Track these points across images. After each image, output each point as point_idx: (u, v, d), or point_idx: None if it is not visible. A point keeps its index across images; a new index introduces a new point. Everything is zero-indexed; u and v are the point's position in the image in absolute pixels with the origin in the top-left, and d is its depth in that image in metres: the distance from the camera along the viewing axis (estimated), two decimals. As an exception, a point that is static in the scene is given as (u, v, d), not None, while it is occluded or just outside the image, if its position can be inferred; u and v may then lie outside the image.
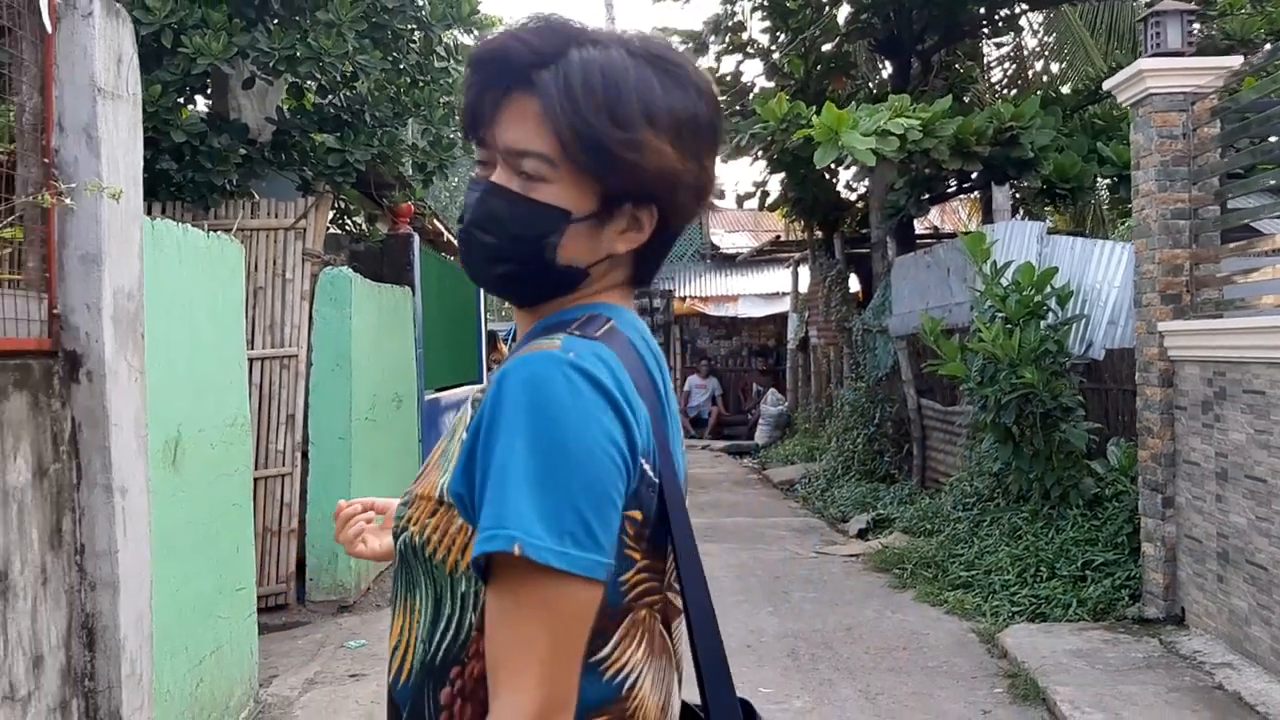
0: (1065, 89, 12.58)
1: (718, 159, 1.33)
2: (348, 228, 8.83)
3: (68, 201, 3.37)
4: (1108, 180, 10.79)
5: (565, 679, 1.12)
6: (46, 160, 3.41)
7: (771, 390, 18.36)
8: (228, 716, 4.69)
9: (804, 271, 17.28)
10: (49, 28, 3.37)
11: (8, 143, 3.50)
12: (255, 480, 5.86)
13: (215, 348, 4.73)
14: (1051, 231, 8.70)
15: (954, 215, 20.15)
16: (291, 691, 5.24)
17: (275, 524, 6.76)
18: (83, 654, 3.48)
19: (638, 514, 1.19)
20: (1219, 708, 4.66)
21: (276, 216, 6.93)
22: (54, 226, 3.42)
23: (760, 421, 17.36)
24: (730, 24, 12.87)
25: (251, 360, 6.27)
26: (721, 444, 17.92)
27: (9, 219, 3.35)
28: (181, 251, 4.37)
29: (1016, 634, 5.89)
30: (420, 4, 7.03)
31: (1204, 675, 5.07)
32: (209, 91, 6.93)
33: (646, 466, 1.18)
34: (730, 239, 22.41)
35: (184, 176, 6.37)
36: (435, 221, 10.79)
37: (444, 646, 1.22)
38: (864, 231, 13.73)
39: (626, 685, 1.21)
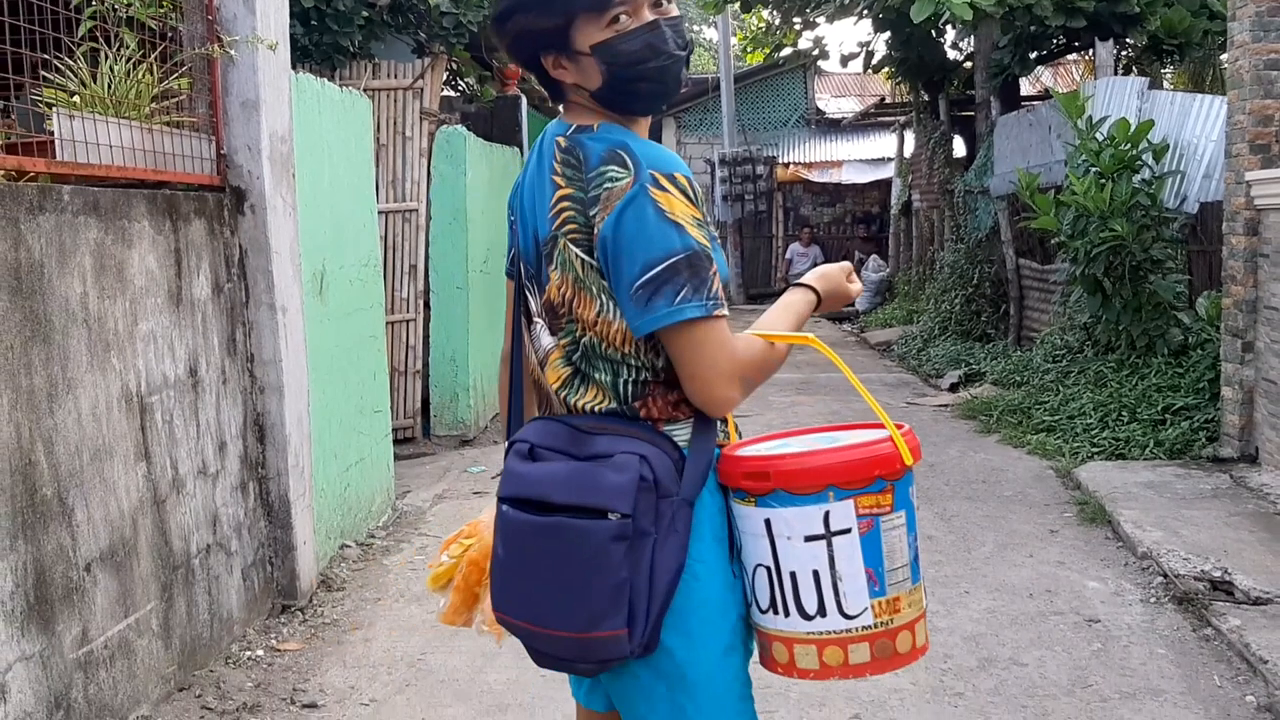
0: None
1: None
2: (460, 89, 9.24)
3: (230, 52, 3.85)
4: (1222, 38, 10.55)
5: None
6: (210, 17, 3.88)
7: (873, 257, 18.47)
8: (370, 519, 5.35)
9: (909, 136, 17.18)
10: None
11: (175, 4, 3.97)
12: (385, 328, 6.44)
13: (351, 192, 5.23)
14: (1153, 87, 8.65)
15: (1067, 77, 19.64)
16: (423, 503, 5.90)
17: (402, 365, 7.38)
18: (255, 446, 4.10)
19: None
20: (1276, 529, 4.97)
21: (396, 77, 7.38)
22: (218, 76, 3.92)
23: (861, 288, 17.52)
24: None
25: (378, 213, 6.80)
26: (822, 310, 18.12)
27: (180, 70, 3.84)
28: (320, 103, 4.84)
29: (1091, 469, 6.23)
30: None
31: (1267, 504, 5.37)
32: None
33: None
34: (835, 104, 22.20)
35: (310, 40, 6.84)
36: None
37: None
38: (970, 93, 13.61)
39: None
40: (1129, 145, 7.39)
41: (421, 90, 7.38)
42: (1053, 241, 8.48)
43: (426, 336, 7.60)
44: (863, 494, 1.60)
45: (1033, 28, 10.17)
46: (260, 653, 3.86)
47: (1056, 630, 4.02)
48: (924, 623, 1.68)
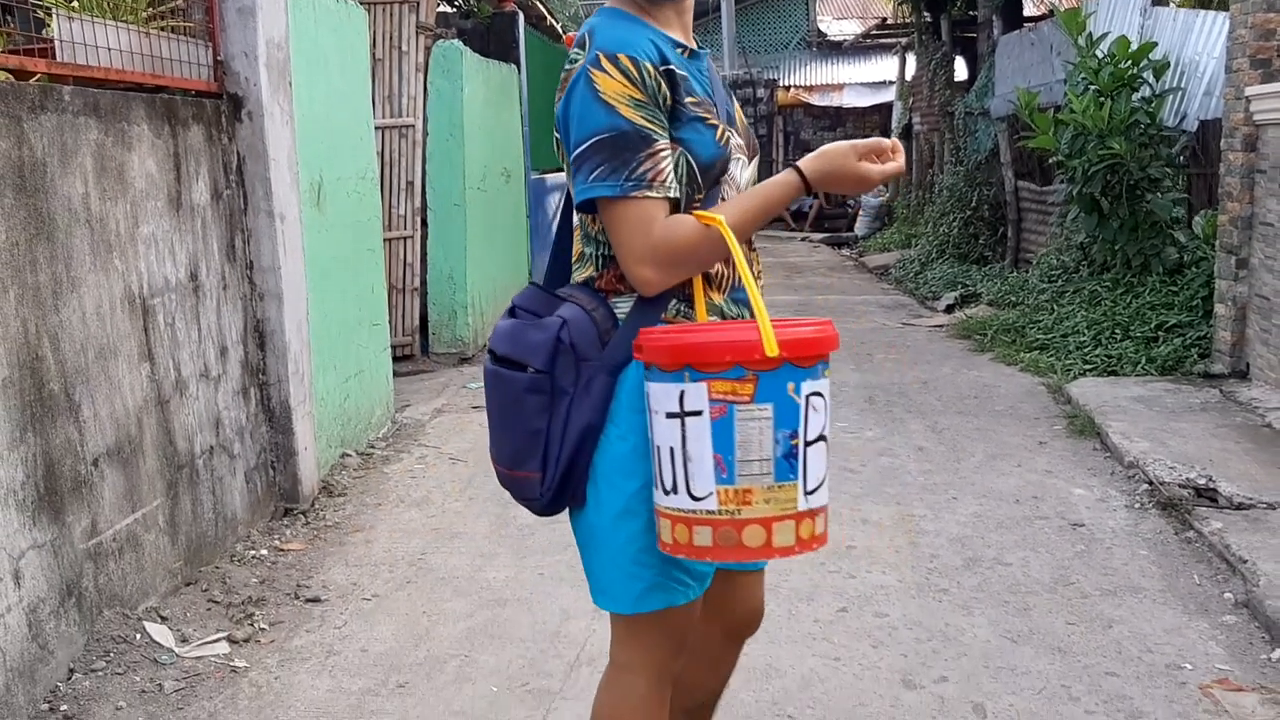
0: None
1: None
2: (456, 4, 9.14)
3: (225, -44, 3.83)
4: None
5: None
6: (203, -80, 3.85)
7: (873, 182, 18.35)
8: (370, 430, 5.43)
9: (910, 59, 17.02)
10: None
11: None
12: (382, 243, 6.46)
13: (347, 104, 5.22)
14: (1156, 3, 8.57)
15: (1072, -2, 19.38)
16: (423, 416, 5.98)
17: (400, 282, 7.41)
18: (256, 352, 4.16)
19: None
20: (1262, 440, 5.06)
21: (392, -9, 7.31)
22: (213, -19, 3.90)
23: (860, 213, 17.51)
24: None
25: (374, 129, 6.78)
26: (820, 235, 18.15)
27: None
28: (316, 12, 4.82)
29: (1083, 384, 6.31)
30: None
31: (1255, 416, 5.45)
32: None
33: None
34: (837, 26, 21.94)
35: (306, -48, 6.75)
36: (539, 3, 10.99)
37: None
38: (972, 13, 13.48)
39: None
40: (1129, 63, 7.35)
41: (418, 4, 7.31)
42: (1051, 161, 8.47)
43: (424, 254, 7.62)
44: (717, 379, 1.58)
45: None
46: (264, 552, 3.95)
47: (1041, 533, 4.12)
48: (792, 524, 1.60)
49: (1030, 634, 3.29)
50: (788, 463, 1.59)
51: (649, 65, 1.69)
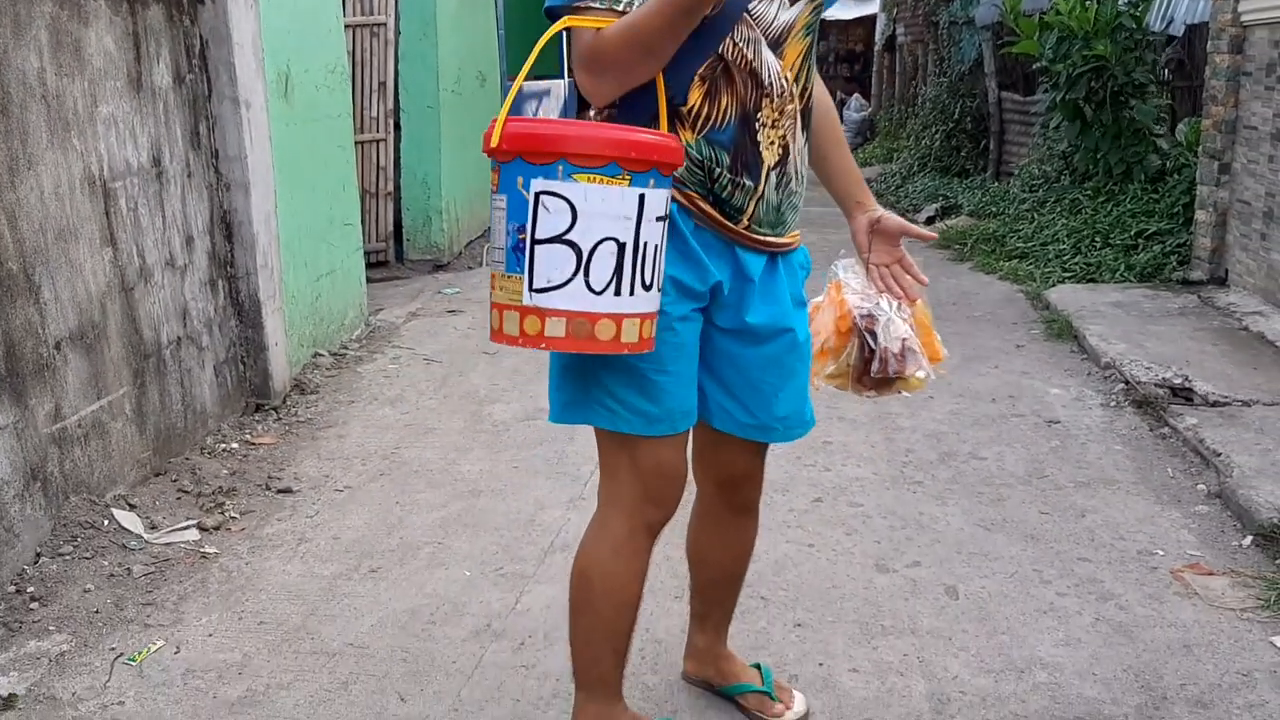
0: None
1: None
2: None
3: None
4: None
5: None
6: None
7: (855, 96, 18.18)
8: (344, 331, 5.36)
9: (895, -31, 16.69)
10: None
11: None
12: (354, 144, 6.31)
13: (316, -7, 5.06)
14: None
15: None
16: (397, 319, 5.91)
17: (373, 187, 7.28)
18: (223, 243, 4.07)
19: None
20: (1239, 342, 5.06)
21: (362, -118, 7.06)
22: None
23: (842, 127, 17.32)
24: None
25: (344, 27, 6.59)
26: (802, 151, 17.93)
27: None
28: (281, -106, 4.63)
29: (1061, 291, 6.29)
30: None
31: (1233, 320, 5.45)
32: None
33: None
34: (821, -65, 21.45)
35: None
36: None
37: None
38: (959, -80, 13.19)
39: None
40: (1117, -36, 7.22)
41: (389, -103, 7.07)
42: (1035, 67, 8.35)
43: (398, 159, 7.48)
44: (494, 168, 1.66)
45: None
46: (235, 445, 3.91)
47: (1016, 430, 4.12)
48: (517, 316, 1.62)
49: (1003, 522, 3.29)
50: (515, 255, 1.63)
51: None
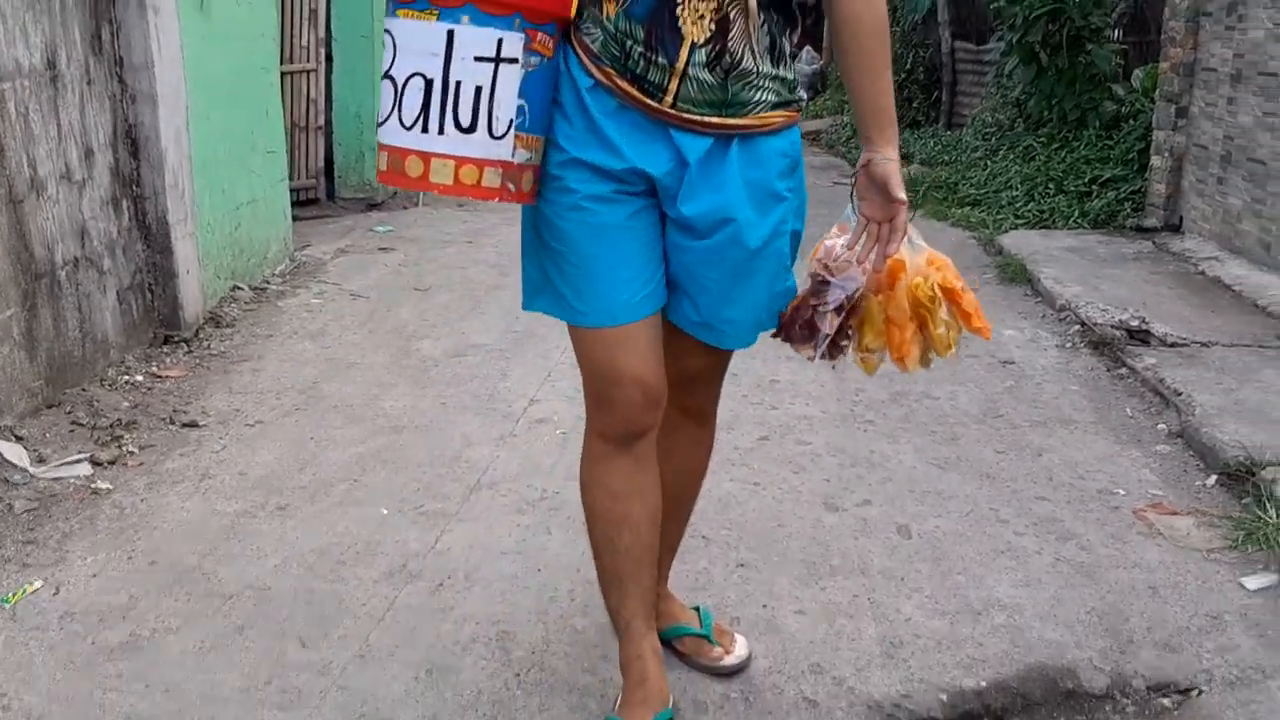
0: None
1: None
2: None
3: None
4: None
5: None
6: None
7: (806, 49, 17.81)
8: (266, 265, 5.06)
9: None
10: None
11: None
12: (282, 76, 5.95)
13: (235, -100, 4.71)
14: None
15: None
16: (324, 256, 5.61)
17: (303, 120, 6.92)
18: (129, 160, 3.76)
19: None
20: (1195, 286, 4.94)
21: None
22: None
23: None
24: None
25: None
26: (752, 102, 17.70)
27: None
28: None
29: (1014, 236, 6.14)
30: None
31: (1189, 265, 5.32)
32: None
33: None
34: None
35: None
36: None
37: None
38: None
39: None
40: (1077, -97, 7.02)
41: None
42: (991, 7, 8.16)
43: (329, 91, 7.12)
44: None
45: None
46: (140, 378, 3.62)
47: (970, 370, 3.95)
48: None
49: (957, 461, 3.12)
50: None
51: None
